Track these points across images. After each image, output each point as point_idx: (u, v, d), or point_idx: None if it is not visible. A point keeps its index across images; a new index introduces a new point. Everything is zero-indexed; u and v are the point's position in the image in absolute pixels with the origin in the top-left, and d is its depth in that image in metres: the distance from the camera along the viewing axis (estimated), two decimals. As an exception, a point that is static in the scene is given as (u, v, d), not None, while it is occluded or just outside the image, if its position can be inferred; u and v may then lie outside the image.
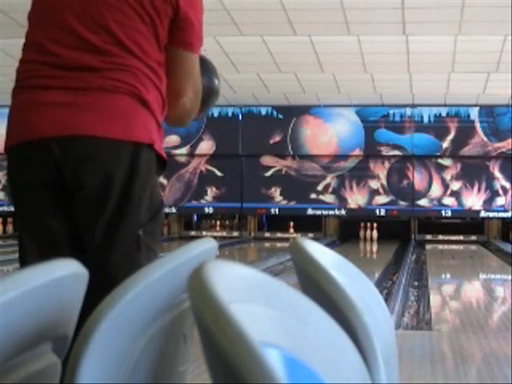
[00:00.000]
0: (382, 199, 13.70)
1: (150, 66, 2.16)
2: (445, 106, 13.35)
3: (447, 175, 13.58)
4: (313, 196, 13.70)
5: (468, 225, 13.98)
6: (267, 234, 14.32)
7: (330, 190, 13.80)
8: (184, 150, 13.80)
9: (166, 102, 2.23)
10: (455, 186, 13.57)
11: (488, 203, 13.50)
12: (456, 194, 13.56)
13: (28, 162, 2.12)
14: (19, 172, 2.15)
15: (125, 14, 2.15)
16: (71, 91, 2.10)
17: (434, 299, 6.96)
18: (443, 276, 9.61)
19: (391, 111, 13.58)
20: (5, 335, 0.77)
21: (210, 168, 13.68)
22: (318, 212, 13.82)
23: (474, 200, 13.53)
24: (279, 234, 14.19)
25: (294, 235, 13.94)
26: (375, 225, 14.24)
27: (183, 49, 2.22)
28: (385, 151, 13.64)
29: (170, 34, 2.20)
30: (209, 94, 2.44)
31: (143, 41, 2.15)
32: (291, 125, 13.78)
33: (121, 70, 2.12)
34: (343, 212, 13.81)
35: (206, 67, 2.43)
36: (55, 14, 2.17)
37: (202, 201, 13.93)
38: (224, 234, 14.39)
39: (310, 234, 13.76)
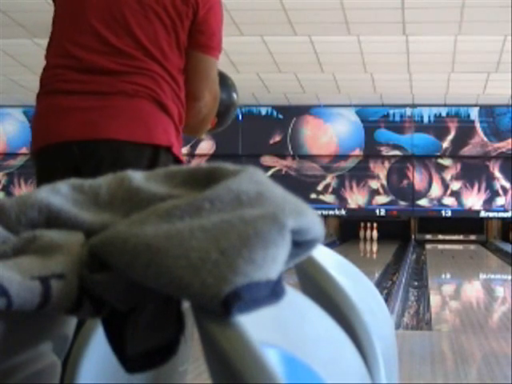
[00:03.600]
0: (382, 199, 13.70)
1: (170, 72, 2.20)
2: (445, 106, 13.34)
3: (447, 175, 13.57)
4: (313, 196, 13.69)
5: (468, 224, 13.97)
6: (267, 234, 14.29)
7: (330, 189, 13.79)
8: (184, 150, 13.81)
9: (184, 109, 2.26)
10: (455, 186, 13.57)
11: (488, 203, 13.49)
12: (456, 194, 13.56)
13: (51, 165, 2.14)
14: (44, 175, 2.16)
15: (148, 19, 2.19)
16: (93, 95, 2.15)
17: (434, 299, 6.96)
18: (443, 276, 9.61)
19: (391, 111, 13.57)
20: (4, 335, 0.77)
21: (210, 168, 13.66)
22: (318, 212, 13.73)
23: (473, 200, 13.52)
24: (279, 234, 14.16)
25: (294, 235, 13.90)
26: (375, 225, 14.24)
27: (201, 52, 2.26)
28: (385, 151, 13.64)
29: (189, 37, 2.24)
30: (228, 109, 2.53)
31: (165, 45, 2.19)
32: (291, 125, 13.77)
33: (141, 74, 2.16)
34: (343, 212, 13.81)
35: (225, 82, 2.50)
36: (79, 17, 2.21)
37: (202, 201, 13.91)
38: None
39: (310, 234, 13.73)
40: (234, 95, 2.61)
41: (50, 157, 2.17)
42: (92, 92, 2.16)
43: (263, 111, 13.81)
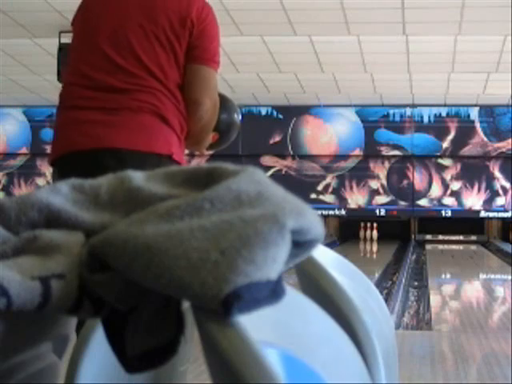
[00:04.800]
0: (382, 199, 13.70)
1: (169, 88, 2.50)
2: (445, 106, 13.34)
3: (447, 175, 13.57)
4: (313, 196, 13.69)
5: (468, 225, 13.97)
6: (267, 234, 14.28)
7: (330, 189, 13.79)
8: (185, 150, 13.79)
9: (186, 119, 2.55)
10: (455, 186, 13.57)
11: (488, 203, 13.49)
12: (456, 194, 13.56)
13: (68, 172, 2.27)
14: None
15: (150, 42, 2.51)
16: (104, 110, 2.46)
17: (434, 299, 6.96)
18: (443, 276, 9.61)
19: (391, 111, 13.57)
20: (4, 335, 0.77)
21: (210, 168, 13.64)
22: (318, 212, 13.70)
23: (473, 200, 13.52)
24: (279, 234, 14.14)
25: (294, 235, 13.89)
26: (375, 225, 14.23)
27: (197, 63, 2.55)
28: (385, 151, 13.64)
29: (186, 53, 2.55)
30: (229, 127, 2.82)
31: (165, 64, 2.50)
32: (291, 125, 13.77)
33: (144, 91, 2.48)
34: (343, 212, 13.81)
35: (226, 104, 2.77)
36: (91, 42, 2.54)
37: (202, 201, 13.90)
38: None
39: (310, 234, 13.72)
40: (235, 115, 2.87)
41: (64, 165, 2.45)
42: (101, 108, 2.46)
43: (263, 111, 13.81)
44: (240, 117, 2.94)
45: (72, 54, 2.62)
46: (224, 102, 2.71)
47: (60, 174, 2.46)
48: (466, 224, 13.91)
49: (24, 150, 14.24)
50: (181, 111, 2.52)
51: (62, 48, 8.50)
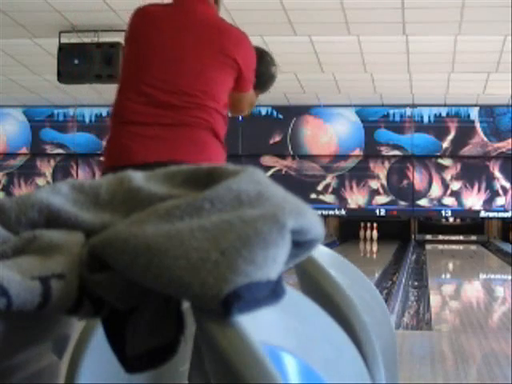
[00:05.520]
0: (382, 199, 13.70)
1: (220, 104, 2.85)
2: (445, 106, 13.33)
3: (447, 175, 13.57)
4: (313, 196, 13.69)
5: (468, 225, 13.97)
6: (267, 234, 14.27)
7: (330, 189, 13.79)
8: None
9: (227, 123, 2.95)
10: (455, 185, 13.56)
11: (488, 203, 13.49)
12: (456, 194, 13.56)
13: None
14: None
15: (205, 65, 2.84)
16: (163, 126, 2.75)
17: (434, 299, 6.96)
18: (443, 276, 9.61)
19: (391, 111, 13.57)
20: (4, 335, 0.77)
21: (210, 168, 13.63)
22: (318, 212, 13.69)
23: (473, 200, 13.52)
24: (279, 234, 14.13)
25: (294, 235, 13.88)
26: (375, 225, 14.23)
27: (245, 92, 3.04)
28: (385, 151, 13.64)
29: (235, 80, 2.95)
30: (266, 80, 3.27)
31: (217, 85, 2.85)
32: (291, 125, 13.77)
33: (199, 108, 2.79)
34: (343, 212, 13.81)
35: (264, 58, 3.22)
36: (150, 64, 2.83)
37: (202, 201, 13.89)
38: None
39: (310, 234, 13.71)
40: (273, 69, 3.30)
41: None
42: (162, 124, 2.75)
43: (263, 111, 13.80)
44: (276, 68, 3.35)
45: (127, 73, 2.89)
46: (263, 57, 3.16)
47: None
48: (466, 224, 13.91)
49: (24, 150, 14.24)
50: (225, 119, 2.91)
51: (62, 48, 8.51)
